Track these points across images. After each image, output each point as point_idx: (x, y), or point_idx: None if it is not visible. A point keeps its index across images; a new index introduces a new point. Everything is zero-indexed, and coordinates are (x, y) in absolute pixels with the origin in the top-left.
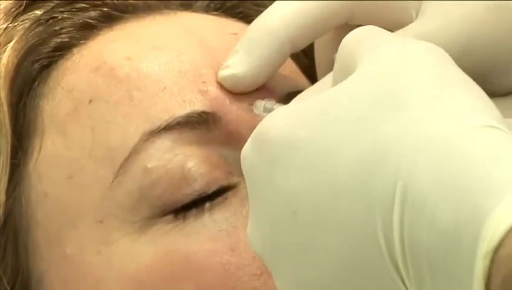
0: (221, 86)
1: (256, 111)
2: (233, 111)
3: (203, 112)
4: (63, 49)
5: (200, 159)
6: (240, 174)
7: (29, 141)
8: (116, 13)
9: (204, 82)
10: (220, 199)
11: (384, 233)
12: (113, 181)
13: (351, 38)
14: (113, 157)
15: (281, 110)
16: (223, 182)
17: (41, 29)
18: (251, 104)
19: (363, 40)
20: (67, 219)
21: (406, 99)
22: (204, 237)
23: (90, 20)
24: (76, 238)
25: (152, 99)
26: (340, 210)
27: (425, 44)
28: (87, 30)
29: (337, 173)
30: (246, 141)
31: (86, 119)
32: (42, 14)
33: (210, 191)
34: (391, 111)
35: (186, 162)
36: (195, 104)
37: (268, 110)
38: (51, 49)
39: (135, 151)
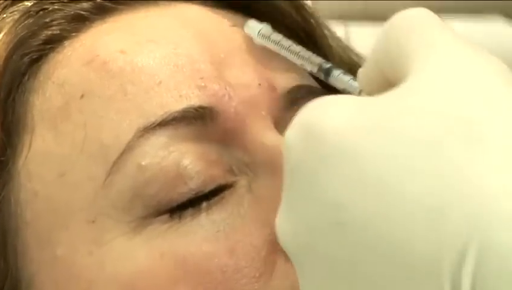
0: (219, 82)
1: (247, 31)
2: (232, 107)
3: (200, 107)
4: (53, 42)
5: (196, 156)
6: (238, 172)
7: (19, 137)
8: (109, 4)
9: (202, 78)
10: (217, 198)
11: (452, 284)
12: (106, 179)
13: (400, 24)
14: (106, 154)
15: (337, 101)
16: (221, 181)
17: (31, 21)
18: (248, 97)
19: (416, 31)
20: (58, 219)
21: (483, 133)
22: (201, 238)
23: (82, 12)
24: (67, 238)
25: (147, 94)
26: (397, 242)
27: (493, 59)
28: (79, 22)
29: (400, 203)
30: (242, 138)
31: (77, 114)
32: (32, 5)
33: (207, 190)
34: (467, 145)
35: (182, 159)
36: (192, 98)
37: (264, 37)
38: (41, 42)
39: (129, 148)
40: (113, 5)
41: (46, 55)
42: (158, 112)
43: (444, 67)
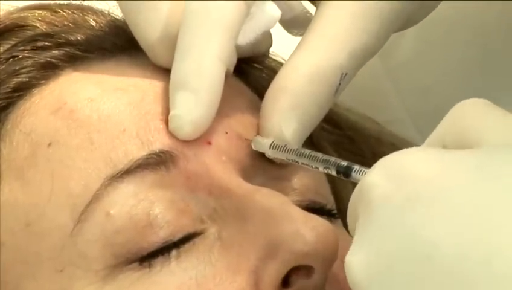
0: None
1: (256, 147)
2: (191, 150)
3: (161, 152)
4: (22, 90)
5: (165, 204)
6: (206, 220)
7: None
8: (80, 53)
9: (161, 119)
10: (187, 245)
11: None
12: (74, 228)
13: (464, 109)
14: (73, 204)
15: (420, 150)
16: (190, 229)
17: (0, 68)
18: (210, 143)
19: (481, 115)
20: (26, 269)
21: None
22: (172, 286)
23: (52, 60)
24: (35, 289)
25: (112, 142)
26: (495, 276)
27: None
28: (49, 70)
29: (498, 237)
30: (206, 182)
31: (45, 163)
32: (2, 52)
33: (176, 239)
34: None
35: (152, 207)
36: (153, 143)
37: (279, 148)
38: (9, 89)
39: (97, 197)
40: (84, 54)
41: (15, 103)
42: (123, 161)
43: None
